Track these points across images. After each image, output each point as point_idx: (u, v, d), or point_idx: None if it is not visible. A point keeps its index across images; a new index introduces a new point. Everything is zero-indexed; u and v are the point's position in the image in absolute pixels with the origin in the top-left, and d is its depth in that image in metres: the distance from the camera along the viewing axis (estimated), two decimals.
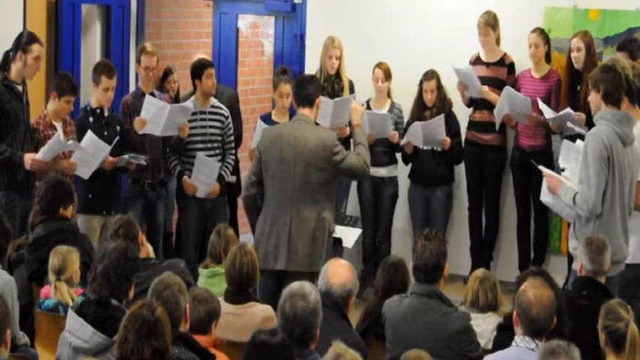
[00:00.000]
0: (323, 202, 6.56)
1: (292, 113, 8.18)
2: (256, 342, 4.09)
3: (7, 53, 7.43)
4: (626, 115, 6.12)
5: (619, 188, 6.07)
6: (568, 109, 8.01)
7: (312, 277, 5.81)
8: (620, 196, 6.08)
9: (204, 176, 7.99)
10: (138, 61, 8.25)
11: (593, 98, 6.19)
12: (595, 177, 5.98)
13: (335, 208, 8.61)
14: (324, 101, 8.13)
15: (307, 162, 6.48)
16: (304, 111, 6.63)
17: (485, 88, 8.55)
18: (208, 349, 4.54)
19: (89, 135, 7.49)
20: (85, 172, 7.54)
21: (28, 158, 7.20)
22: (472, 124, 8.77)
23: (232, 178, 8.36)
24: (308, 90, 6.64)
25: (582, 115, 7.91)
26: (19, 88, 7.38)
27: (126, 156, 7.70)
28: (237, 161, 8.62)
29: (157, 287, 4.57)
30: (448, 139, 8.45)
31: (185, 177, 8.02)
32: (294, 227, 6.51)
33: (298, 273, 6.31)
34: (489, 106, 8.59)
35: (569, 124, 7.69)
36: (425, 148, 8.53)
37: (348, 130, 8.28)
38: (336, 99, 8.28)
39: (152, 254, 6.17)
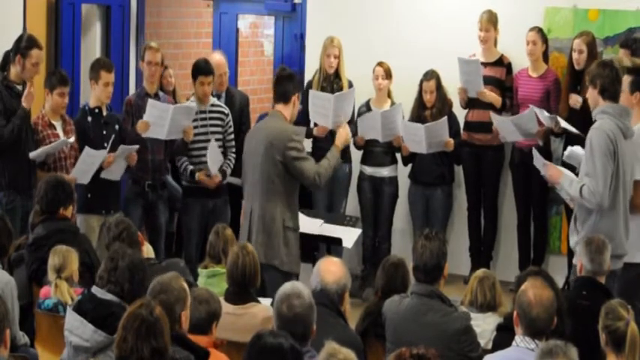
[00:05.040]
0: (281, 195, 6.57)
1: None
2: (266, 344, 4.01)
3: (7, 53, 7.42)
4: (625, 108, 6.17)
5: (622, 181, 6.10)
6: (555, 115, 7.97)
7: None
8: (622, 189, 6.11)
9: (214, 161, 8.02)
10: (142, 58, 8.23)
11: (591, 94, 6.23)
12: (602, 170, 5.99)
13: (333, 209, 8.67)
14: (324, 97, 8.07)
15: (265, 152, 6.55)
16: (278, 106, 6.70)
17: (485, 89, 8.52)
18: (202, 347, 4.53)
19: (86, 150, 7.45)
20: (84, 179, 7.54)
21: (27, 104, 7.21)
22: (468, 125, 8.73)
23: (237, 181, 8.33)
24: (284, 86, 6.69)
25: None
26: (19, 88, 7.38)
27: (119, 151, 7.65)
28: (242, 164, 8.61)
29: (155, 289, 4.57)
30: (451, 140, 8.39)
31: (197, 174, 8.01)
32: (253, 218, 6.62)
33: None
34: (485, 105, 8.56)
35: (563, 125, 7.68)
36: (428, 152, 8.46)
37: (326, 130, 8.24)
38: (337, 93, 8.14)
39: (152, 254, 6.17)
